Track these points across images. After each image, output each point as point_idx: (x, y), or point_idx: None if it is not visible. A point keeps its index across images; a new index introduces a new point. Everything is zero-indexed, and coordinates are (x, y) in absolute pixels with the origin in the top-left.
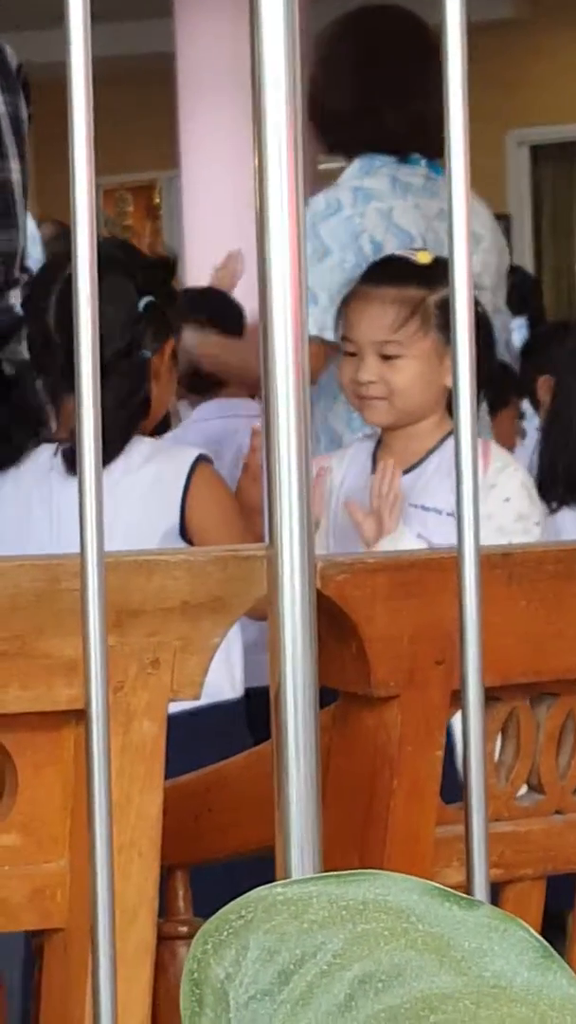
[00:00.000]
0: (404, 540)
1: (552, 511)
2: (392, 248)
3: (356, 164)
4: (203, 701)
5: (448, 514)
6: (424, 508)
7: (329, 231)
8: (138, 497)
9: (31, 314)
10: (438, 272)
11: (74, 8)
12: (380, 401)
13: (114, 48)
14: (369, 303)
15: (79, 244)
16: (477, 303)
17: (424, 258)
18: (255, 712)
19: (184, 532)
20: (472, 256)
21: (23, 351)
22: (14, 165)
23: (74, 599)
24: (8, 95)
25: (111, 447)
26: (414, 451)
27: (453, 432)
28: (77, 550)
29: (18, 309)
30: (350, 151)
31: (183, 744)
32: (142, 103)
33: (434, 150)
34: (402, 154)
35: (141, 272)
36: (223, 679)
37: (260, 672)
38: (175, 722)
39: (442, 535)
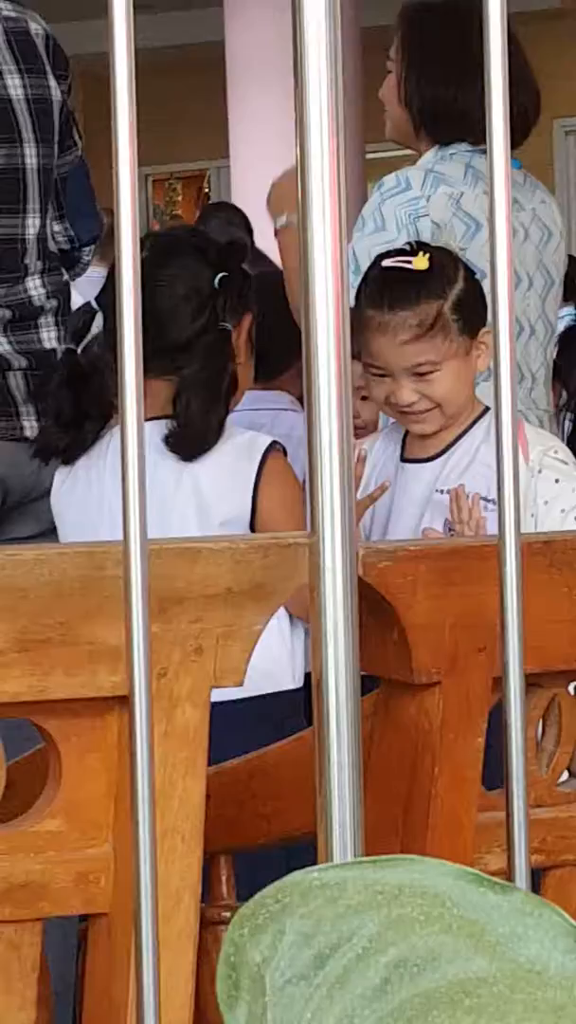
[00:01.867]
0: None
1: None
2: (458, 233)
3: (433, 151)
4: (268, 689)
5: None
6: (449, 493)
7: (391, 208)
8: (208, 479)
9: (109, 306)
10: (440, 273)
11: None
12: (429, 414)
13: (164, 38)
14: (388, 331)
15: (123, 233)
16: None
17: (421, 264)
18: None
19: (253, 521)
20: (548, 249)
21: (95, 345)
22: (29, 150)
23: (118, 586)
24: (30, 77)
25: (214, 427)
26: (443, 438)
27: (480, 417)
28: (166, 531)
29: (38, 299)
30: (436, 137)
31: (240, 730)
32: (191, 93)
33: (512, 142)
34: (483, 143)
35: (215, 252)
36: (285, 670)
37: None
38: (234, 708)
39: None
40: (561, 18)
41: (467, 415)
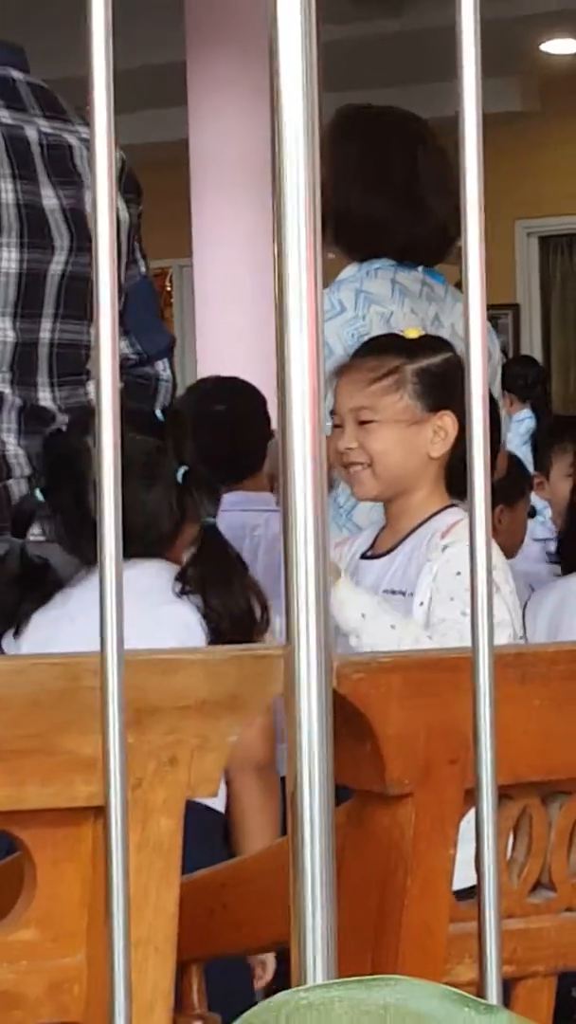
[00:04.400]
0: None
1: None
2: None
3: (354, 267)
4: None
5: (410, 594)
6: (393, 592)
7: (333, 331)
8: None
9: (52, 500)
10: (422, 344)
11: (99, 98)
12: (363, 471)
13: (127, 136)
14: (349, 372)
15: (103, 349)
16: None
17: (412, 334)
18: None
19: None
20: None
21: (37, 534)
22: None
23: (94, 697)
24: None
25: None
26: (397, 534)
27: (436, 514)
28: None
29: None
30: (352, 250)
31: None
32: (154, 191)
33: (432, 258)
34: (402, 259)
35: (173, 446)
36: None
37: None
38: None
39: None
40: (521, 120)
41: (421, 510)
